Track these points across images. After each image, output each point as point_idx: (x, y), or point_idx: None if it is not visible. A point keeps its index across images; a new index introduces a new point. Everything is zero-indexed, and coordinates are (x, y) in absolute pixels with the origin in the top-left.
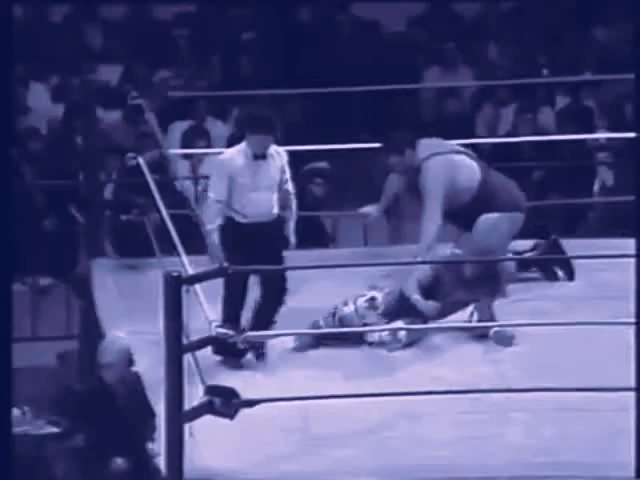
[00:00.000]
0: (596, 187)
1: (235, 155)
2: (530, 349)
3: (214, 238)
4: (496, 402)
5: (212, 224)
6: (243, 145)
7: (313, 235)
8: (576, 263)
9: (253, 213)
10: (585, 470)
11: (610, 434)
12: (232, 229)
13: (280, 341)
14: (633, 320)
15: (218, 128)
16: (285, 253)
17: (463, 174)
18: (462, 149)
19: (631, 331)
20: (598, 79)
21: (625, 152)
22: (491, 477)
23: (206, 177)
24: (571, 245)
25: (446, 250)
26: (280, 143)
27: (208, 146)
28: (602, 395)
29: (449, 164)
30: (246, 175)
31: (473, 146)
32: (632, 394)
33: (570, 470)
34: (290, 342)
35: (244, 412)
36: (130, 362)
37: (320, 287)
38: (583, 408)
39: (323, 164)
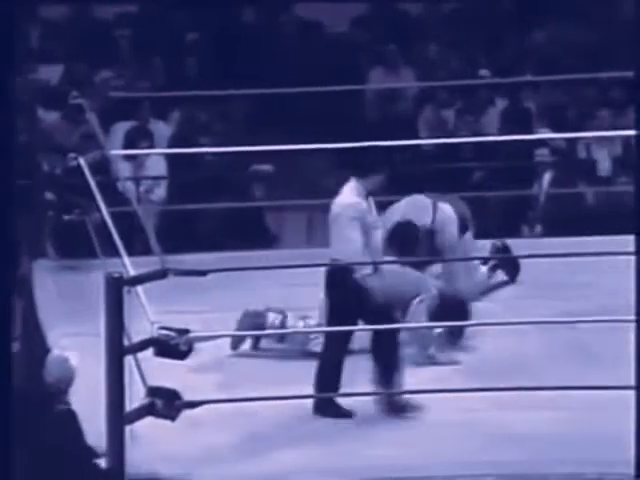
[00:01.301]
0: (536, 187)
1: (357, 197)
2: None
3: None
4: (442, 402)
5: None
6: (354, 184)
7: (256, 236)
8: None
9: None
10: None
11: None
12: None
13: (224, 342)
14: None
15: (161, 129)
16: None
17: None
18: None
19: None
20: (538, 80)
21: (565, 152)
22: (433, 476)
23: (148, 178)
24: (514, 245)
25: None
26: (221, 144)
27: (151, 147)
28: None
29: None
30: (369, 216)
31: (415, 147)
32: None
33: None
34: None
35: (186, 413)
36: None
37: (262, 288)
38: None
39: (267, 167)
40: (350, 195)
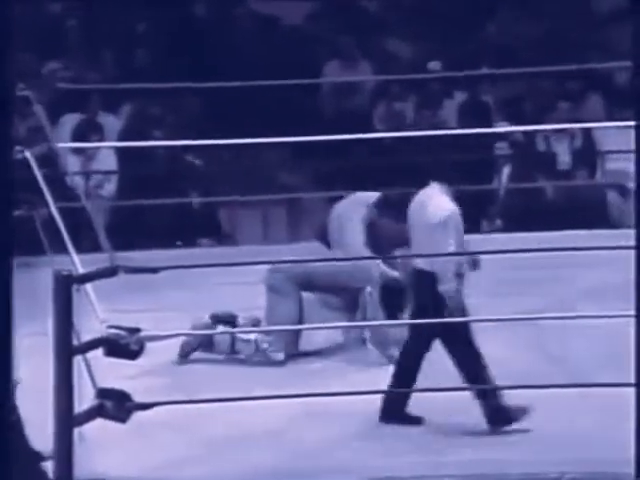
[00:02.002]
0: (495, 182)
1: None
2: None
3: None
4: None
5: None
6: (442, 188)
7: (209, 232)
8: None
9: None
10: None
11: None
12: None
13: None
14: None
15: (111, 122)
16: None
17: None
18: None
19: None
20: (495, 73)
21: (524, 145)
22: (396, 476)
23: (98, 172)
24: (474, 240)
25: None
26: (174, 137)
27: (101, 140)
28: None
29: None
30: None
31: (373, 141)
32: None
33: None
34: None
35: (138, 415)
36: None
37: (214, 286)
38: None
39: (197, 161)
40: (448, 201)
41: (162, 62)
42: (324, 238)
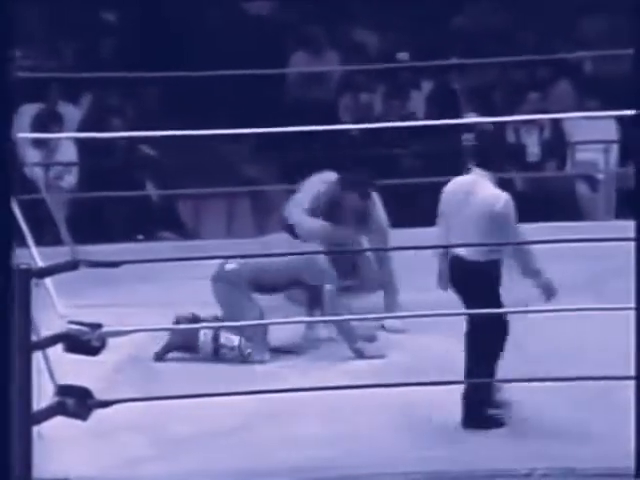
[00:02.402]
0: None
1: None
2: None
3: None
4: (364, 399)
5: None
6: (487, 174)
7: (171, 225)
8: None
9: None
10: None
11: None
12: None
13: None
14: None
15: (71, 112)
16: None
17: None
18: None
19: None
20: (464, 64)
21: (490, 136)
22: (355, 475)
23: (58, 164)
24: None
25: None
26: (135, 128)
27: (61, 131)
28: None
29: None
30: None
31: (339, 133)
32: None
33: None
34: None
35: (99, 414)
36: None
37: (178, 280)
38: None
39: (150, 151)
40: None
41: (124, 52)
42: (289, 228)
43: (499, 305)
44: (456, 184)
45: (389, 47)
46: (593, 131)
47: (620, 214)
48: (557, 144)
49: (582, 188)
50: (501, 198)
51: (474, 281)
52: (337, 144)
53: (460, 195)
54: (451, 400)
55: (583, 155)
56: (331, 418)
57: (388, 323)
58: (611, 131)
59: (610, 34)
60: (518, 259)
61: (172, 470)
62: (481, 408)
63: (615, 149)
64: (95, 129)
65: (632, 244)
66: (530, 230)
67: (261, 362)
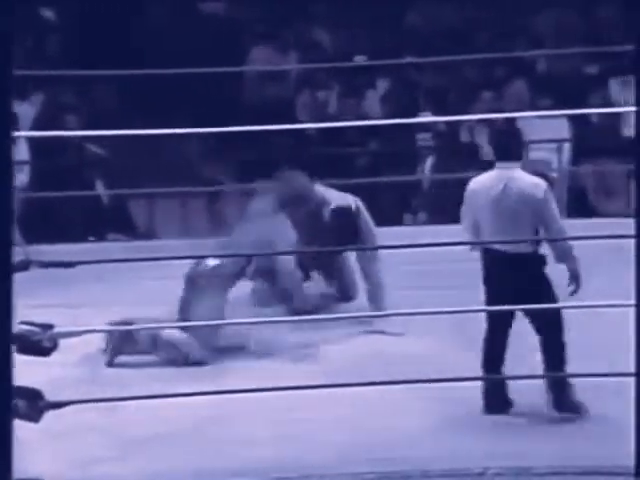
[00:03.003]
0: (419, 173)
1: None
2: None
3: None
4: (316, 399)
5: None
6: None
7: (120, 225)
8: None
9: None
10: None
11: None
12: None
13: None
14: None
15: (24, 111)
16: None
17: None
18: None
19: None
20: (419, 63)
21: (446, 135)
22: (309, 475)
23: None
24: (398, 234)
25: None
26: (89, 127)
27: (16, 129)
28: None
29: None
30: None
31: (297, 132)
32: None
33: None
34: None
35: (52, 414)
36: None
37: (133, 280)
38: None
39: (99, 150)
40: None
41: (78, 49)
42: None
43: (554, 296)
44: (485, 180)
45: (345, 46)
46: (546, 130)
47: (572, 213)
48: (510, 142)
49: None
50: (540, 185)
51: (522, 276)
52: (294, 142)
53: (495, 189)
54: (410, 400)
55: (536, 154)
56: (284, 419)
57: (387, 328)
58: (564, 130)
59: (561, 32)
60: (556, 245)
61: (127, 471)
62: (570, 393)
63: (567, 148)
64: (49, 127)
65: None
66: None
67: (198, 360)
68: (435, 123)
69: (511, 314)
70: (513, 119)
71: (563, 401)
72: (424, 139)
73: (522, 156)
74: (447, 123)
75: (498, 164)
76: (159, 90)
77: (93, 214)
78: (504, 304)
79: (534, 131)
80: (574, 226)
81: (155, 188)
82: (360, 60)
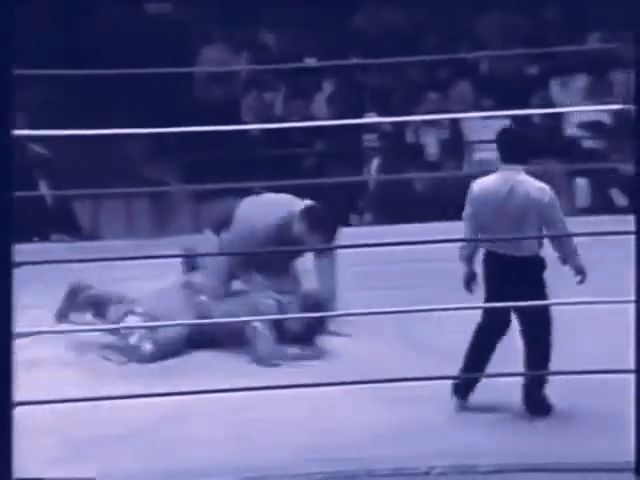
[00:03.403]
0: (365, 174)
1: None
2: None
3: None
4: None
5: None
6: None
7: (64, 226)
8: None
9: None
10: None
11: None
12: None
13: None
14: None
15: None
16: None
17: None
18: None
19: None
20: (365, 64)
21: (392, 136)
22: (261, 476)
23: None
24: (344, 234)
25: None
26: (32, 126)
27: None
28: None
29: None
30: None
31: (242, 133)
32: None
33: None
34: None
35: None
36: None
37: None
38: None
39: (42, 149)
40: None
41: (22, 48)
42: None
43: (546, 298)
44: (489, 182)
45: (291, 47)
46: (489, 130)
47: None
48: (455, 143)
49: None
50: (546, 190)
51: (523, 279)
52: (239, 144)
53: (500, 193)
54: (365, 401)
55: (480, 154)
56: (237, 419)
57: (337, 328)
58: None
59: (504, 34)
60: (561, 248)
61: (80, 473)
62: (543, 396)
63: None
64: None
65: None
66: (429, 229)
67: (144, 352)
68: (381, 124)
69: (508, 318)
70: (457, 120)
71: (536, 402)
72: (370, 140)
73: (527, 159)
74: (393, 124)
75: (502, 166)
76: (106, 90)
77: (37, 214)
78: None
79: (477, 132)
80: None
81: (100, 189)
82: (310, 62)
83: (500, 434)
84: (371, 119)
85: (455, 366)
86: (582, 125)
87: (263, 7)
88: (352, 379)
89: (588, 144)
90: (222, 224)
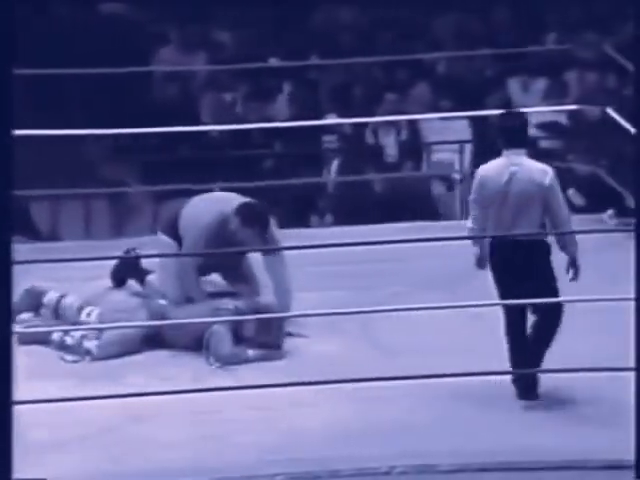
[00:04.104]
0: (325, 175)
1: None
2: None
3: None
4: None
5: None
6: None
7: (21, 227)
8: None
9: None
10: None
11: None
12: None
13: None
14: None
15: None
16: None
17: None
18: None
19: None
20: (325, 64)
21: (352, 138)
22: (226, 477)
23: None
24: (304, 235)
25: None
26: None
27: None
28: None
29: None
30: None
31: (201, 134)
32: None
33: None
34: None
35: None
36: None
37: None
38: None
39: None
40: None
41: None
42: (173, 233)
43: (556, 283)
44: (494, 168)
45: (249, 47)
46: (448, 132)
47: None
48: (413, 145)
49: (437, 188)
50: (548, 172)
51: (531, 262)
52: (197, 145)
53: (504, 176)
54: (327, 401)
55: (439, 155)
56: (196, 420)
57: (294, 329)
58: (465, 131)
59: (461, 34)
60: (560, 234)
61: (43, 475)
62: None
63: (469, 149)
64: None
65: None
66: (388, 230)
67: (91, 350)
68: (340, 125)
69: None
70: (415, 121)
71: (531, 389)
72: (330, 141)
73: (528, 143)
74: (352, 125)
75: (506, 152)
76: (62, 91)
77: None
78: (512, 291)
79: (436, 133)
80: None
81: (58, 189)
82: (273, 62)
83: (486, 432)
84: (330, 120)
85: (420, 365)
86: (540, 126)
87: (220, 7)
88: (314, 379)
89: (545, 144)
90: (170, 225)
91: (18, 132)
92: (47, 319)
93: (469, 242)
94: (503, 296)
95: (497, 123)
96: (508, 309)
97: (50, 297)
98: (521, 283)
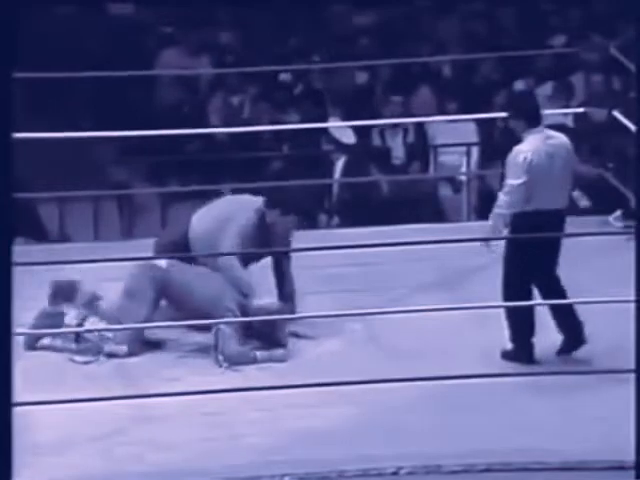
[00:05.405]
0: (337, 176)
1: None
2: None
3: None
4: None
5: None
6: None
7: (26, 229)
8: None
9: None
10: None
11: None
12: None
13: None
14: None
15: None
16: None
17: None
18: None
19: None
20: (330, 67)
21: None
22: (232, 477)
23: None
24: (310, 237)
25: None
26: None
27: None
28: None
29: None
30: None
31: (208, 136)
32: None
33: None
34: None
35: None
36: None
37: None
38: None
39: None
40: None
41: None
42: (184, 241)
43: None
44: (532, 146)
45: (255, 49)
46: (454, 134)
47: (482, 215)
48: (420, 147)
49: (445, 190)
50: (568, 140)
51: (560, 230)
52: (205, 147)
53: (548, 151)
54: (335, 403)
55: (445, 158)
56: (201, 421)
57: (299, 330)
58: (471, 134)
59: (465, 38)
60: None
61: (42, 476)
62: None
63: (476, 151)
64: None
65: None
66: (394, 232)
67: (118, 352)
68: (343, 130)
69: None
70: (422, 124)
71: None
72: (336, 143)
73: (542, 118)
74: (359, 127)
75: (533, 130)
76: (71, 93)
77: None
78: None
79: (442, 135)
80: (484, 227)
81: (66, 192)
82: (284, 78)
83: (490, 434)
84: (337, 123)
85: (424, 367)
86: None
87: (224, 10)
88: (319, 380)
89: None
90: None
91: (19, 135)
92: (69, 341)
93: (473, 244)
94: (523, 267)
95: (514, 108)
96: (521, 282)
97: (70, 319)
98: (549, 252)
